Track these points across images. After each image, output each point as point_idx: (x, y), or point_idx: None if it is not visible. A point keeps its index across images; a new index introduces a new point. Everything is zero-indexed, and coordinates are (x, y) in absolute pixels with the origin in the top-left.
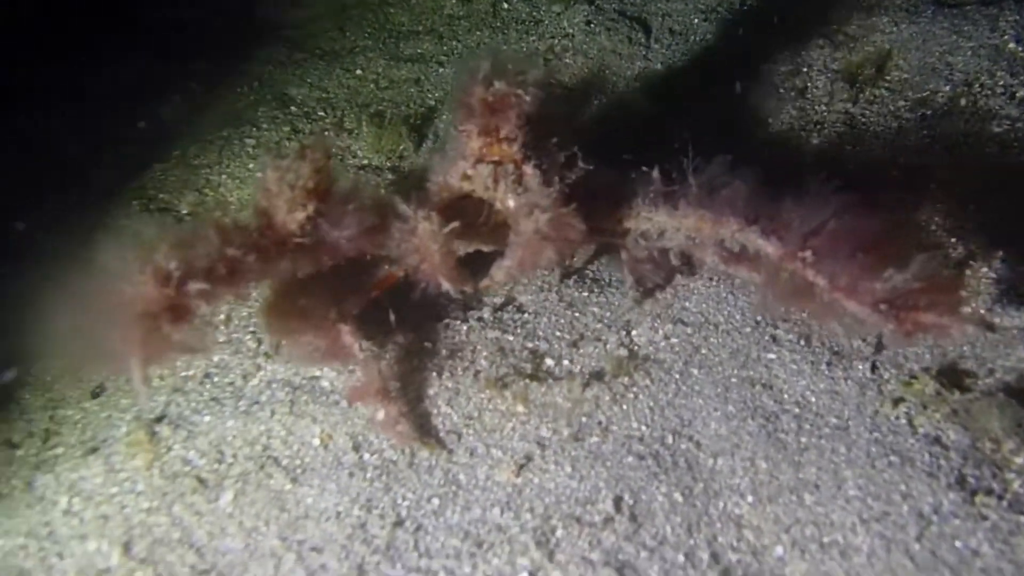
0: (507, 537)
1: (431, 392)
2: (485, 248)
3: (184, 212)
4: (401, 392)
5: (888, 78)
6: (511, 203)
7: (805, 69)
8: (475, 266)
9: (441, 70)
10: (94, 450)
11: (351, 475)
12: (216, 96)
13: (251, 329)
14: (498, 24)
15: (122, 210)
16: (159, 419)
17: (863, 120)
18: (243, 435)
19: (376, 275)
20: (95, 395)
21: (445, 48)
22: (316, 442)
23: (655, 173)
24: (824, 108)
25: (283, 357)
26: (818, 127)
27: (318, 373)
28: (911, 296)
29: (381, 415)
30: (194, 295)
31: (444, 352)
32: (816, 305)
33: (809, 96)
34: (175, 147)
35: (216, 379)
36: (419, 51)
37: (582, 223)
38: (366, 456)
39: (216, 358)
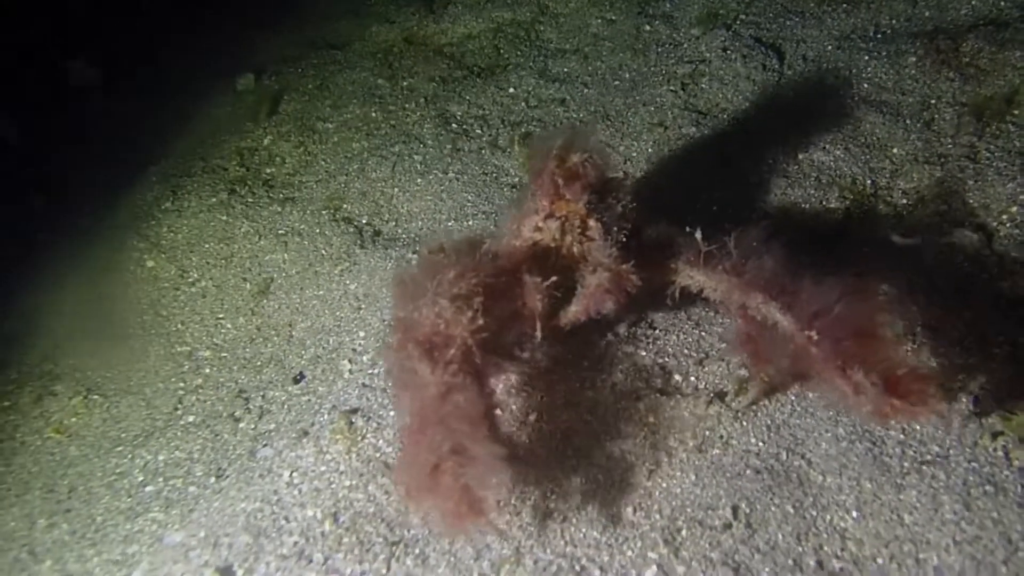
0: (639, 533)
1: (575, 401)
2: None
3: (364, 222)
4: None
5: (1016, 113)
6: (578, 254)
7: (933, 101)
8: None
9: (586, 91)
10: (305, 433)
11: (508, 471)
12: (390, 114)
13: None
14: (639, 46)
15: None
16: (354, 411)
17: (987, 155)
18: None
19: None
20: (296, 381)
21: (590, 68)
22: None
23: (698, 234)
24: (949, 141)
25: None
26: (941, 160)
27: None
28: (890, 384)
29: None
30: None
31: (586, 364)
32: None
33: (935, 128)
34: (355, 162)
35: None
36: (566, 70)
37: (637, 279)
38: (519, 453)
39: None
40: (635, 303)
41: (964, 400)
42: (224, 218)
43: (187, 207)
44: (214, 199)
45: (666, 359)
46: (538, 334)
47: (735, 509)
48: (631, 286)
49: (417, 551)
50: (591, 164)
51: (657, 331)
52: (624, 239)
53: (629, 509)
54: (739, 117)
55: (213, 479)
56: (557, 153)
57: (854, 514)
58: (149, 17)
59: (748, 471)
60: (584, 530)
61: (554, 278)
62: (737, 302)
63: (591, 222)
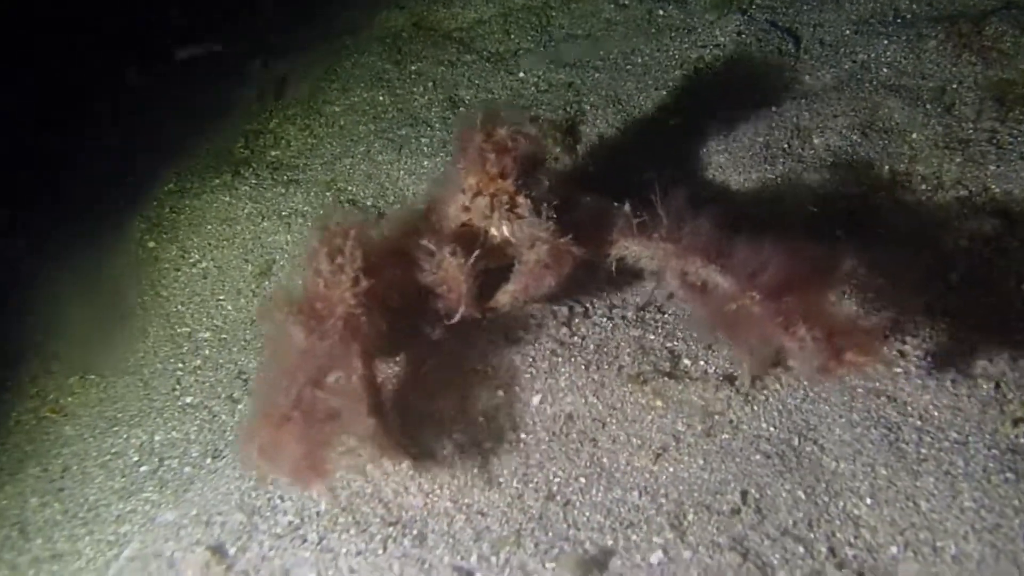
0: (644, 517)
1: (580, 383)
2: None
3: (368, 204)
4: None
5: None
6: (508, 232)
7: (954, 86)
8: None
9: (596, 75)
10: None
11: (510, 452)
12: (397, 97)
13: None
14: (653, 31)
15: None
16: None
17: (1010, 140)
18: (424, 406)
19: None
20: None
21: (601, 53)
22: (481, 419)
23: (627, 206)
24: (971, 126)
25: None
26: (962, 145)
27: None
28: (835, 337)
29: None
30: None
31: (591, 347)
32: (748, 334)
33: (956, 113)
34: (361, 145)
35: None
36: (576, 55)
37: (578, 251)
38: (523, 436)
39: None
40: (573, 283)
41: (984, 387)
42: (227, 199)
43: (190, 188)
44: (217, 180)
45: (675, 343)
46: (459, 315)
47: (744, 494)
48: (571, 260)
49: (415, 532)
50: (521, 136)
51: (666, 315)
52: (554, 215)
53: (635, 493)
54: (754, 102)
55: (210, 460)
56: (484, 126)
57: (868, 501)
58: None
59: (758, 456)
60: (588, 513)
61: (477, 253)
62: (675, 268)
63: (520, 199)
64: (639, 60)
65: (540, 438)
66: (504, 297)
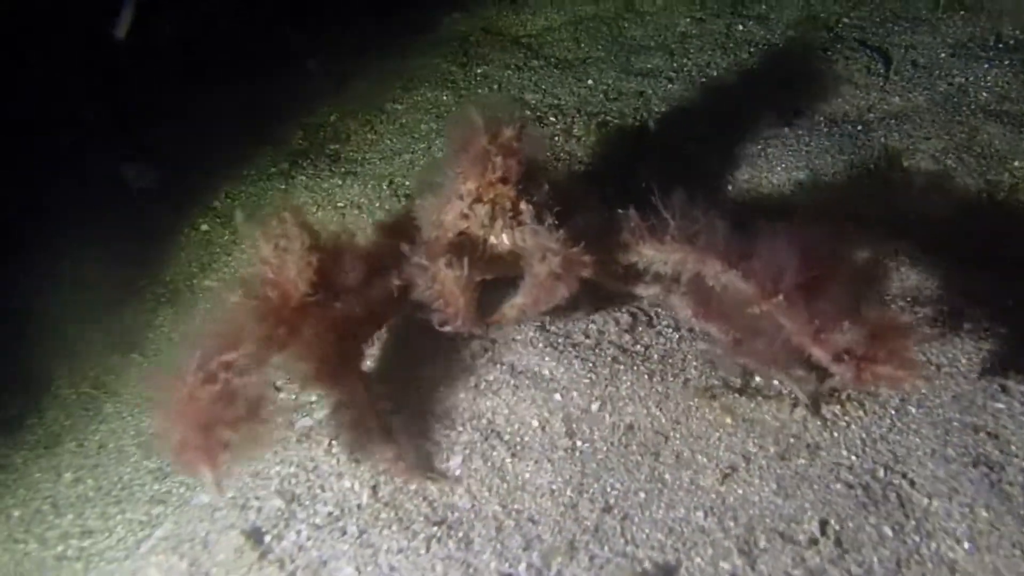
0: (710, 540)
1: (642, 394)
2: (487, 278)
3: None
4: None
5: None
6: (511, 241)
7: None
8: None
9: (670, 86)
10: None
11: (565, 458)
12: (462, 98)
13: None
14: (731, 45)
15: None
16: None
17: None
18: (471, 408)
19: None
20: None
21: (675, 65)
22: (535, 423)
23: (631, 212)
24: None
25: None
26: None
27: (540, 362)
28: (870, 347)
29: (385, 458)
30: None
31: (656, 357)
32: (770, 354)
33: None
34: (422, 142)
35: (449, 356)
36: (649, 66)
37: (590, 260)
38: (579, 443)
39: (445, 337)
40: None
41: None
42: (283, 187)
43: (246, 175)
44: (274, 169)
45: (746, 360)
46: (457, 328)
47: (823, 524)
48: (582, 270)
49: (460, 534)
50: (526, 138)
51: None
52: (556, 223)
53: (699, 513)
54: (838, 120)
55: None
56: (489, 127)
57: (966, 545)
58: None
59: (839, 485)
60: (647, 530)
61: (474, 264)
62: (691, 272)
63: (523, 205)
64: (715, 74)
65: (597, 447)
66: (511, 311)
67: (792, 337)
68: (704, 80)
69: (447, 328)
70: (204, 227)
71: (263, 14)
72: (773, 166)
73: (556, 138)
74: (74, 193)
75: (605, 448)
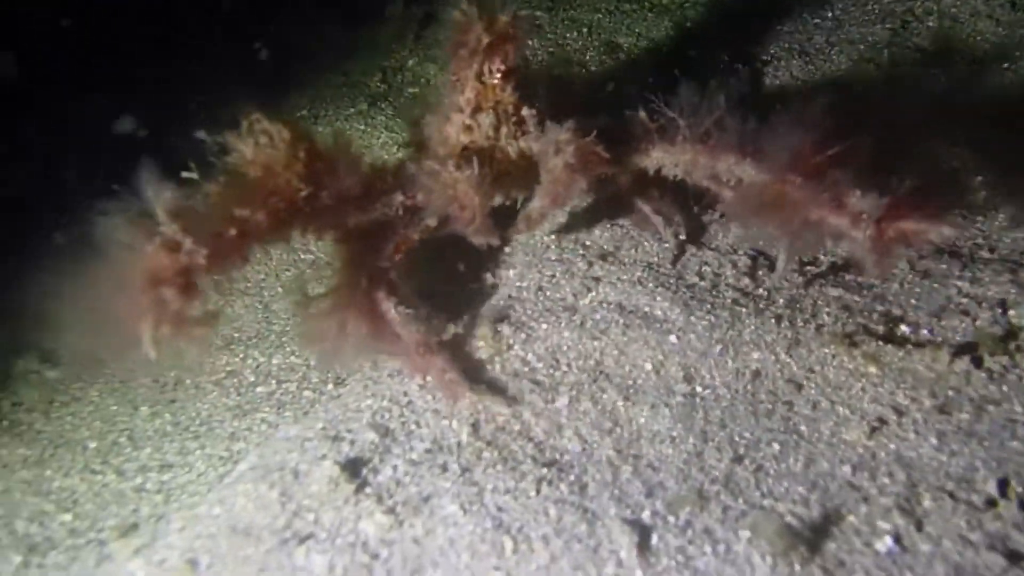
0: (862, 496)
1: (768, 339)
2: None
3: None
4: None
5: None
6: (516, 150)
7: None
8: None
9: (779, 27)
10: None
11: (684, 405)
12: (549, 42)
13: (581, 252)
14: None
15: None
16: (500, 320)
17: None
18: (577, 348)
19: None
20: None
21: (782, 5)
22: (648, 367)
23: (641, 113)
24: None
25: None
26: None
27: (649, 301)
28: (891, 207)
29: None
30: (205, 263)
31: (781, 302)
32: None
33: None
34: None
35: (548, 293)
36: (752, 5)
37: (604, 151)
38: (698, 388)
39: (548, 272)
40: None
41: None
42: (362, 127)
43: (323, 115)
44: (352, 109)
45: (888, 306)
46: (473, 233)
47: (1003, 485)
48: (598, 161)
49: (572, 478)
50: (522, 23)
51: (872, 281)
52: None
53: (846, 468)
54: (970, 59)
55: (331, 386)
56: (483, 14)
57: None
58: None
59: (1015, 443)
60: (786, 484)
61: (476, 166)
62: (706, 169)
63: (525, 111)
64: (830, 14)
65: (720, 394)
66: (533, 214)
67: (810, 214)
68: (817, 22)
69: (474, 237)
70: None
71: None
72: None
73: (648, 78)
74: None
75: (729, 395)
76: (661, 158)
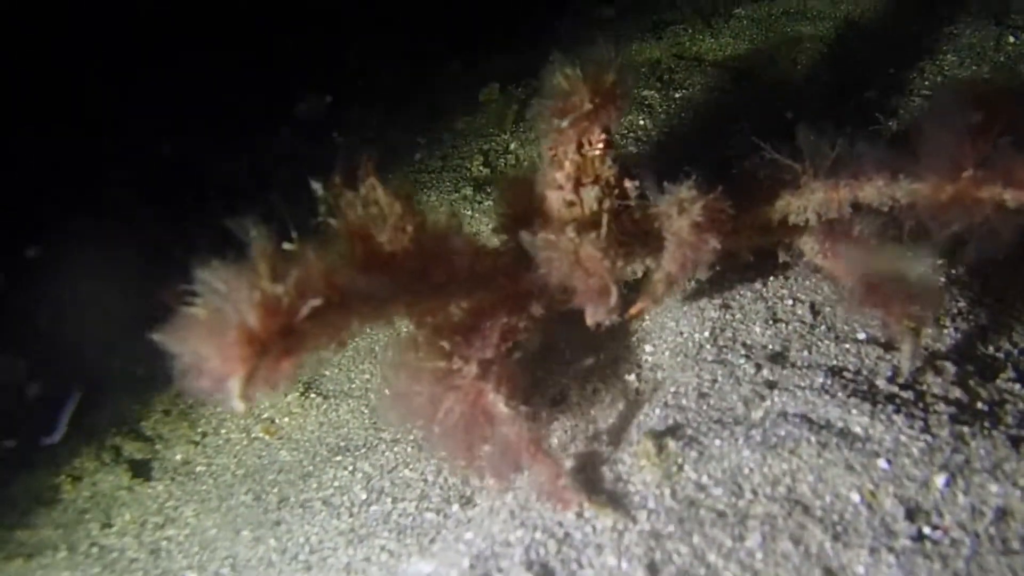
0: None
1: (1007, 468)
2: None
3: None
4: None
5: None
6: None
7: None
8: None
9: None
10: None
11: (913, 551)
12: (661, 123)
13: (743, 353)
14: (1001, 59)
15: None
16: (664, 433)
17: None
18: (762, 470)
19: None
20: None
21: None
22: (855, 498)
23: (751, 161)
24: None
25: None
26: None
27: (843, 414)
28: None
29: (540, 476)
30: (309, 326)
31: (1010, 420)
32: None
33: None
34: None
35: (712, 401)
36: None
37: (731, 208)
38: (927, 530)
39: (707, 376)
40: None
41: None
42: (468, 213)
43: (426, 200)
44: (457, 194)
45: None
46: (607, 308)
47: None
48: (728, 220)
49: None
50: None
51: None
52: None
53: None
54: None
55: (456, 507)
56: (588, 78)
57: None
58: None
59: None
60: None
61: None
62: (844, 203)
63: (627, 184)
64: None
65: (955, 537)
66: (660, 286)
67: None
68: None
69: (598, 316)
70: None
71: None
72: None
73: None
74: None
75: (969, 540)
76: (787, 204)
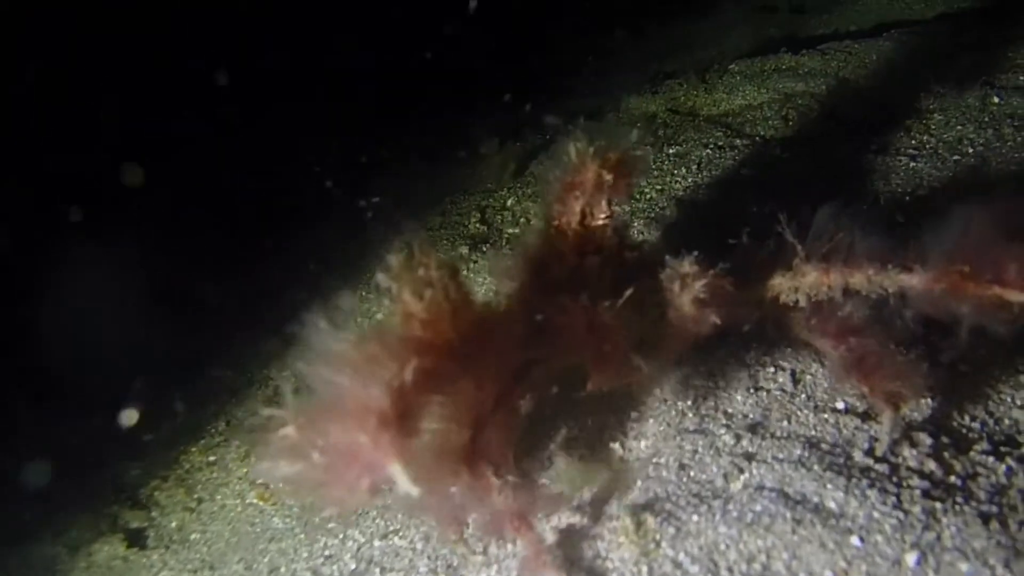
0: None
1: (977, 546)
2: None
3: None
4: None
5: None
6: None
7: None
8: None
9: (911, 164)
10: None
11: None
12: (655, 179)
13: (724, 422)
14: (986, 119)
15: None
16: (643, 508)
17: None
18: (738, 547)
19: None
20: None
21: (914, 142)
22: (829, 574)
23: (746, 241)
24: None
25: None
26: None
27: (818, 488)
28: None
29: (524, 550)
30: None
31: (982, 495)
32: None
33: None
34: None
35: (693, 473)
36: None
37: (731, 285)
38: None
39: (688, 447)
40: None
41: None
42: (464, 272)
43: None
44: (453, 253)
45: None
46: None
47: None
48: (727, 295)
49: None
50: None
51: None
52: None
53: None
54: None
55: None
56: (598, 153)
57: None
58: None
59: None
60: None
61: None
62: (835, 288)
63: (627, 253)
64: (970, 150)
65: None
66: (660, 357)
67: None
68: (957, 159)
69: (603, 384)
70: (380, 316)
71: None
72: None
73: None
74: None
75: None
76: (779, 284)
